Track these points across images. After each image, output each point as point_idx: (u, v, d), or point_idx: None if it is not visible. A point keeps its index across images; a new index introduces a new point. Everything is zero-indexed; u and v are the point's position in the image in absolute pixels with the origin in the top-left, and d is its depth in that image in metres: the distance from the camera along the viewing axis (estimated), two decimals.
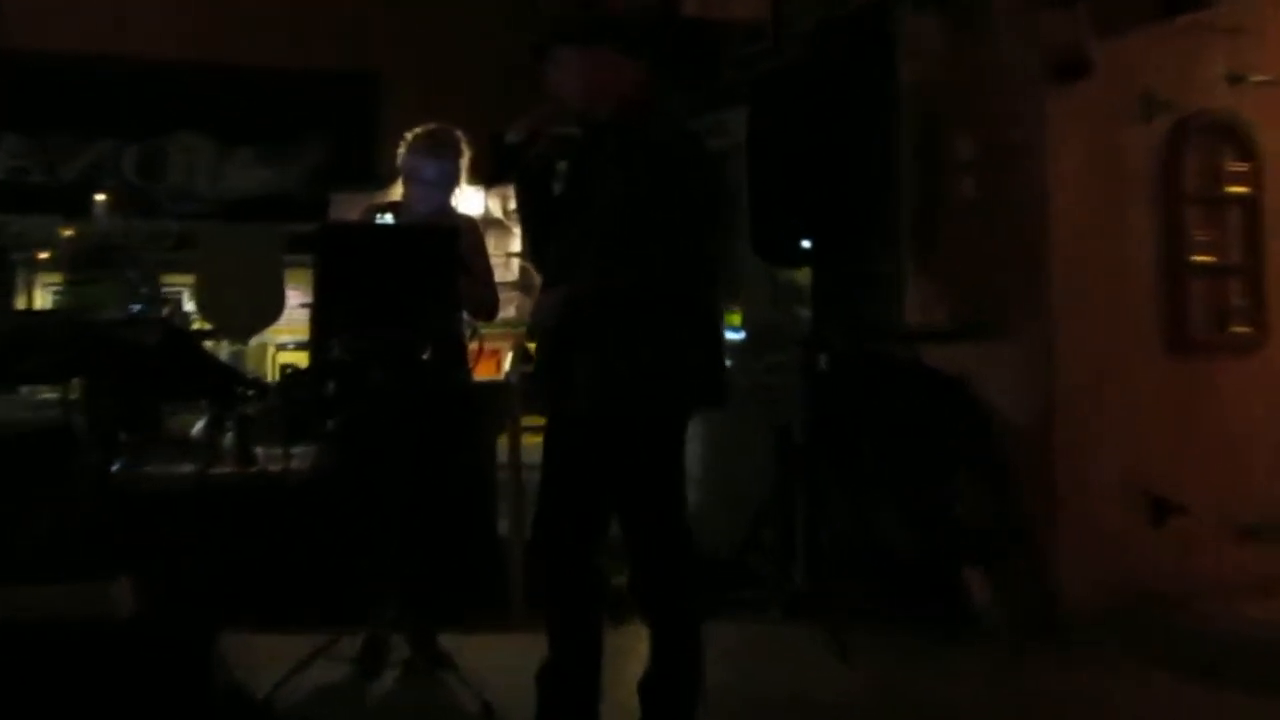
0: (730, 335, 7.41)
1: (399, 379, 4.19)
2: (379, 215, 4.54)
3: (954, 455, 5.08)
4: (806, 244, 5.18)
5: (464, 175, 4.51)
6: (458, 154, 4.45)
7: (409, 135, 4.50)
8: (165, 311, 7.30)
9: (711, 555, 5.12)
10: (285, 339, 7.29)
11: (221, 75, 7.76)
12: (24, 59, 7.36)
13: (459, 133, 4.47)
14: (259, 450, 5.65)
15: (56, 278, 7.33)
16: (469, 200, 6.04)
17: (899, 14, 5.45)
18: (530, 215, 3.57)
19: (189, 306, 8.34)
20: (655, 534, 3.39)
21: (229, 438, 5.70)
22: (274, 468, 5.49)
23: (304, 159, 7.81)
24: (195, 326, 6.80)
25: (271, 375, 7.53)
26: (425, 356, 4.32)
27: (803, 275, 5.58)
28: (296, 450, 5.41)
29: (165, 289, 9.24)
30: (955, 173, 5.30)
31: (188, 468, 5.46)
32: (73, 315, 5.83)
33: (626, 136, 3.37)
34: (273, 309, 6.55)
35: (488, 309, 4.52)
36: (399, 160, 4.51)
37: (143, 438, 5.48)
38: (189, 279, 8.26)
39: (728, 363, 7.05)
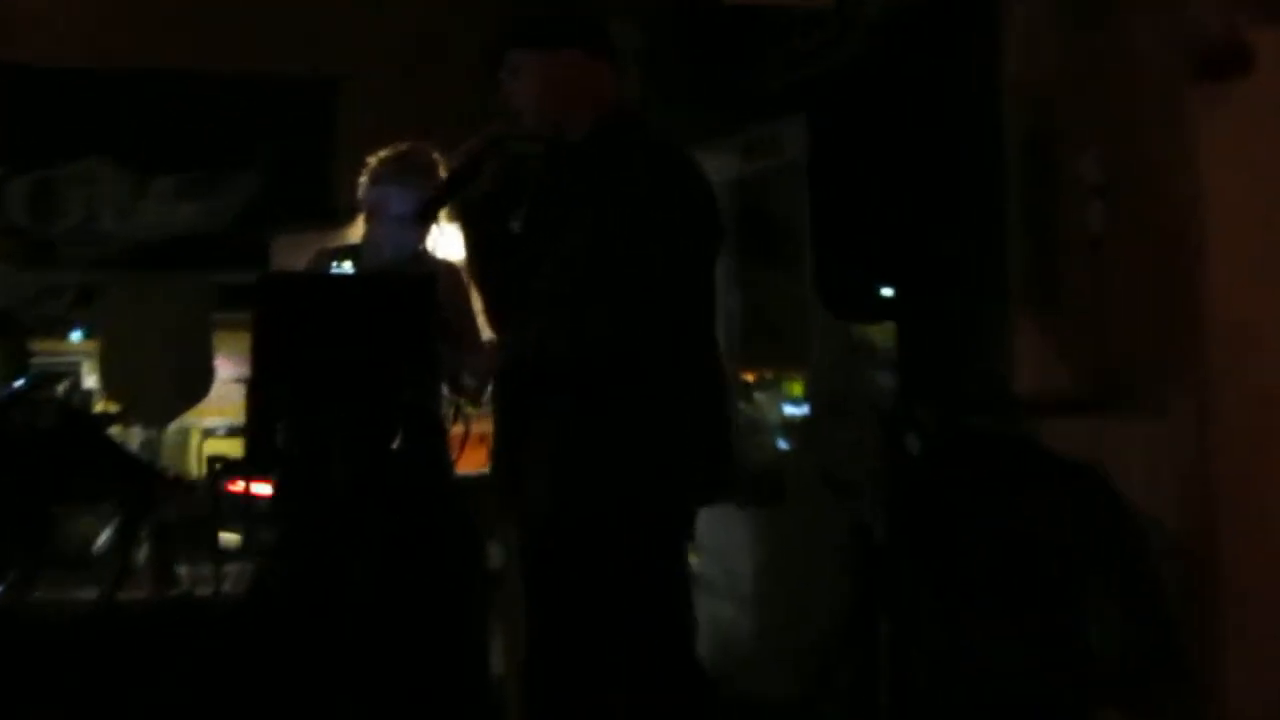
0: (790, 410, 7.43)
1: (361, 474, 4.18)
2: (335, 262, 4.56)
3: (1084, 564, 5.03)
4: (887, 291, 5.16)
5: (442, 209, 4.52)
6: (434, 181, 4.47)
7: (372, 160, 4.54)
8: (60, 389, 7.32)
9: (768, 699, 5.07)
10: (214, 422, 7.34)
11: (133, 84, 7.83)
12: None
13: (436, 155, 4.50)
14: (182, 568, 5.66)
15: None
16: (450, 241, 6.06)
17: None
18: (477, 263, 3.60)
19: (90, 381, 8.38)
20: (650, 675, 3.37)
21: (143, 551, 5.72)
22: (202, 590, 5.49)
23: (239, 191, 7.86)
24: (99, 408, 6.83)
25: (197, 470, 7.57)
26: (395, 444, 4.32)
27: (883, 332, 5.56)
28: (231, 567, 5.41)
29: (61, 359, 9.33)
30: (1078, 199, 5.28)
31: (90, 592, 5.47)
32: None
33: (597, 161, 3.41)
34: (198, 384, 6.61)
35: (475, 381, 4.52)
36: (360, 192, 4.54)
37: (29, 553, 5.49)
38: (90, 346, 8.30)
39: (782, 444, 7.05)
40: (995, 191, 5.37)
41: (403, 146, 4.54)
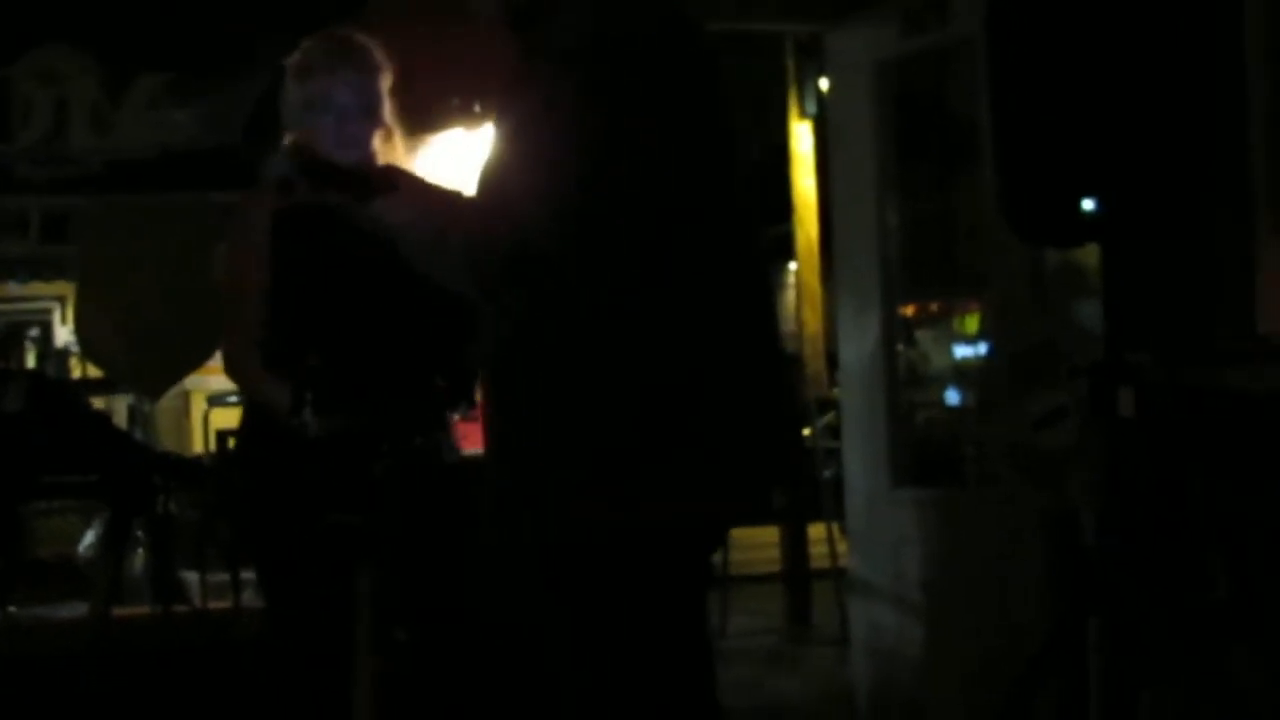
0: (964, 351, 7.43)
1: (423, 474, 4.25)
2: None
3: None
4: (1089, 204, 5.13)
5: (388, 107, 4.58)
6: (376, 70, 4.53)
7: (296, 54, 4.58)
8: (28, 341, 7.42)
9: None
10: (222, 386, 7.38)
11: None
12: None
13: (370, 42, 4.56)
14: (187, 575, 5.74)
15: None
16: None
17: None
18: None
19: (65, 334, 8.50)
20: None
21: (138, 556, 5.81)
22: (217, 603, 5.56)
23: (247, 91, 7.89)
24: (76, 372, 6.90)
25: (203, 448, 7.64)
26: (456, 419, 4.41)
27: (1086, 256, 5.55)
28: (251, 575, 5.46)
29: (26, 305, 9.48)
30: None
31: (75, 607, 5.57)
32: None
33: (541, 35, 3.29)
34: (202, 342, 6.62)
35: None
36: (286, 94, 4.57)
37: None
38: (64, 289, 8.39)
39: (954, 398, 7.06)
40: (1231, 75, 5.31)
41: (333, 33, 4.60)
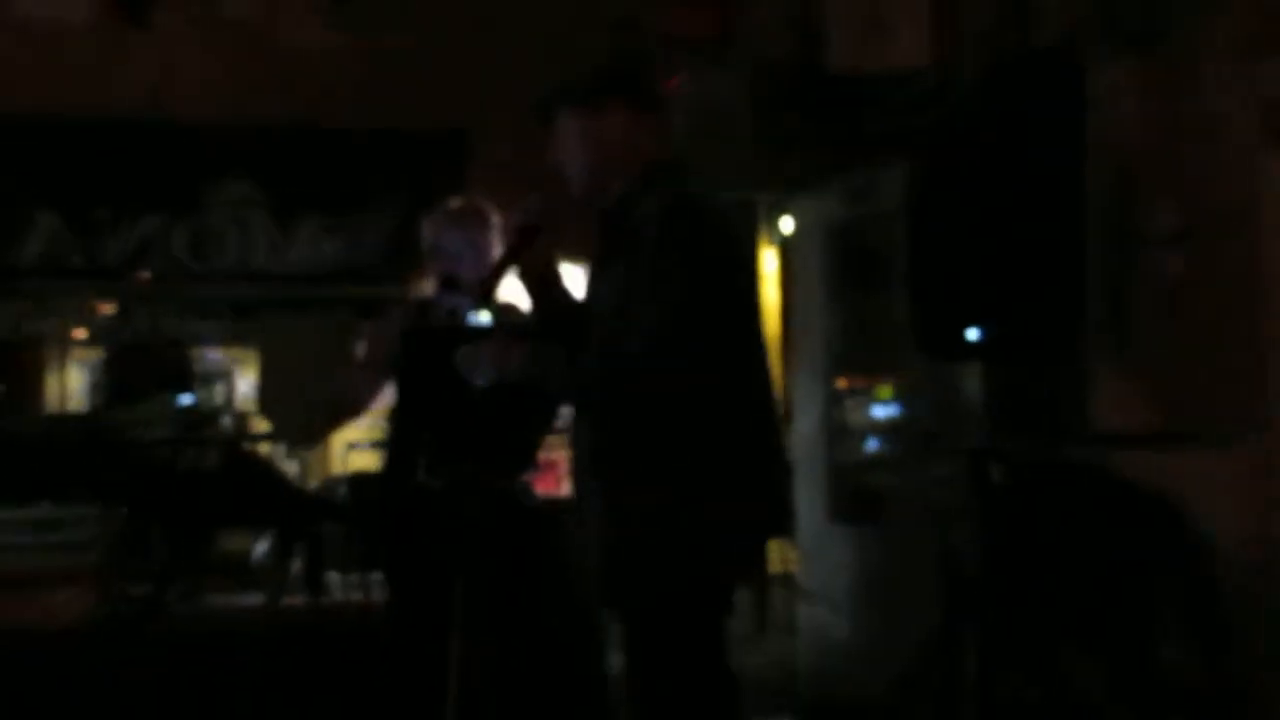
0: (879, 412, 7.44)
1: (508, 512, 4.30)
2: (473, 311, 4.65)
3: (1160, 593, 5.03)
4: (973, 334, 5.18)
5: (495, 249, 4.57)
6: (485, 226, 4.55)
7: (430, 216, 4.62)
8: (217, 395, 7.44)
9: (862, 701, 5.09)
10: (359, 438, 7.44)
11: (281, 138, 7.99)
12: (57, 125, 7.61)
13: (488, 207, 4.58)
14: (331, 575, 5.79)
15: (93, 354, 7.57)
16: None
17: (1088, 59, 5.46)
18: (546, 335, 3.52)
19: (243, 386, 8.53)
20: None
21: (295, 562, 5.88)
22: (354, 596, 5.58)
23: (378, 227, 8.00)
24: (252, 427, 6.94)
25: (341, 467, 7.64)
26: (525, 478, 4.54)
27: (970, 370, 5.60)
28: (377, 576, 5.51)
29: (215, 365, 9.53)
30: (1155, 248, 5.29)
31: (250, 597, 5.63)
32: (110, 430, 5.99)
33: (624, 221, 3.28)
34: (342, 407, 6.66)
35: None
36: (424, 244, 4.61)
37: (192, 567, 5.66)
38: (240, 352, 8.43)
39: (872, 445, 6.99)
40: (1077, 238, 5.35)
41: (459, 198, 4.64)
